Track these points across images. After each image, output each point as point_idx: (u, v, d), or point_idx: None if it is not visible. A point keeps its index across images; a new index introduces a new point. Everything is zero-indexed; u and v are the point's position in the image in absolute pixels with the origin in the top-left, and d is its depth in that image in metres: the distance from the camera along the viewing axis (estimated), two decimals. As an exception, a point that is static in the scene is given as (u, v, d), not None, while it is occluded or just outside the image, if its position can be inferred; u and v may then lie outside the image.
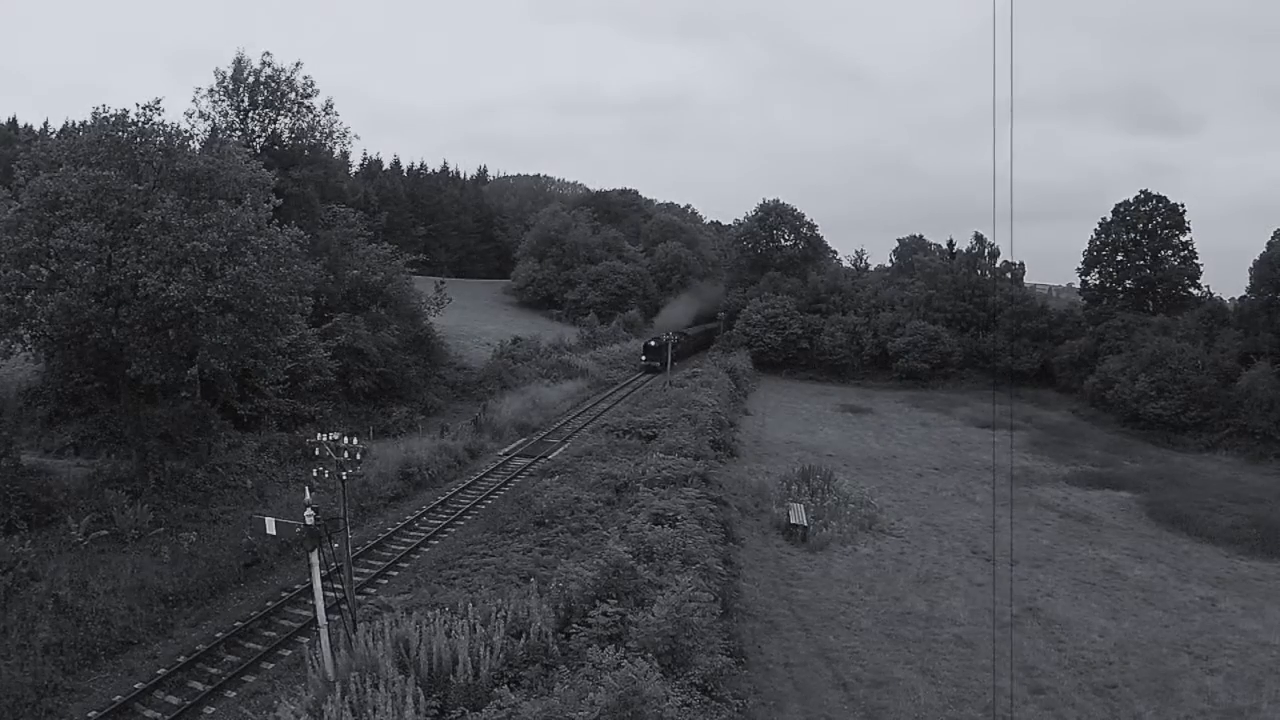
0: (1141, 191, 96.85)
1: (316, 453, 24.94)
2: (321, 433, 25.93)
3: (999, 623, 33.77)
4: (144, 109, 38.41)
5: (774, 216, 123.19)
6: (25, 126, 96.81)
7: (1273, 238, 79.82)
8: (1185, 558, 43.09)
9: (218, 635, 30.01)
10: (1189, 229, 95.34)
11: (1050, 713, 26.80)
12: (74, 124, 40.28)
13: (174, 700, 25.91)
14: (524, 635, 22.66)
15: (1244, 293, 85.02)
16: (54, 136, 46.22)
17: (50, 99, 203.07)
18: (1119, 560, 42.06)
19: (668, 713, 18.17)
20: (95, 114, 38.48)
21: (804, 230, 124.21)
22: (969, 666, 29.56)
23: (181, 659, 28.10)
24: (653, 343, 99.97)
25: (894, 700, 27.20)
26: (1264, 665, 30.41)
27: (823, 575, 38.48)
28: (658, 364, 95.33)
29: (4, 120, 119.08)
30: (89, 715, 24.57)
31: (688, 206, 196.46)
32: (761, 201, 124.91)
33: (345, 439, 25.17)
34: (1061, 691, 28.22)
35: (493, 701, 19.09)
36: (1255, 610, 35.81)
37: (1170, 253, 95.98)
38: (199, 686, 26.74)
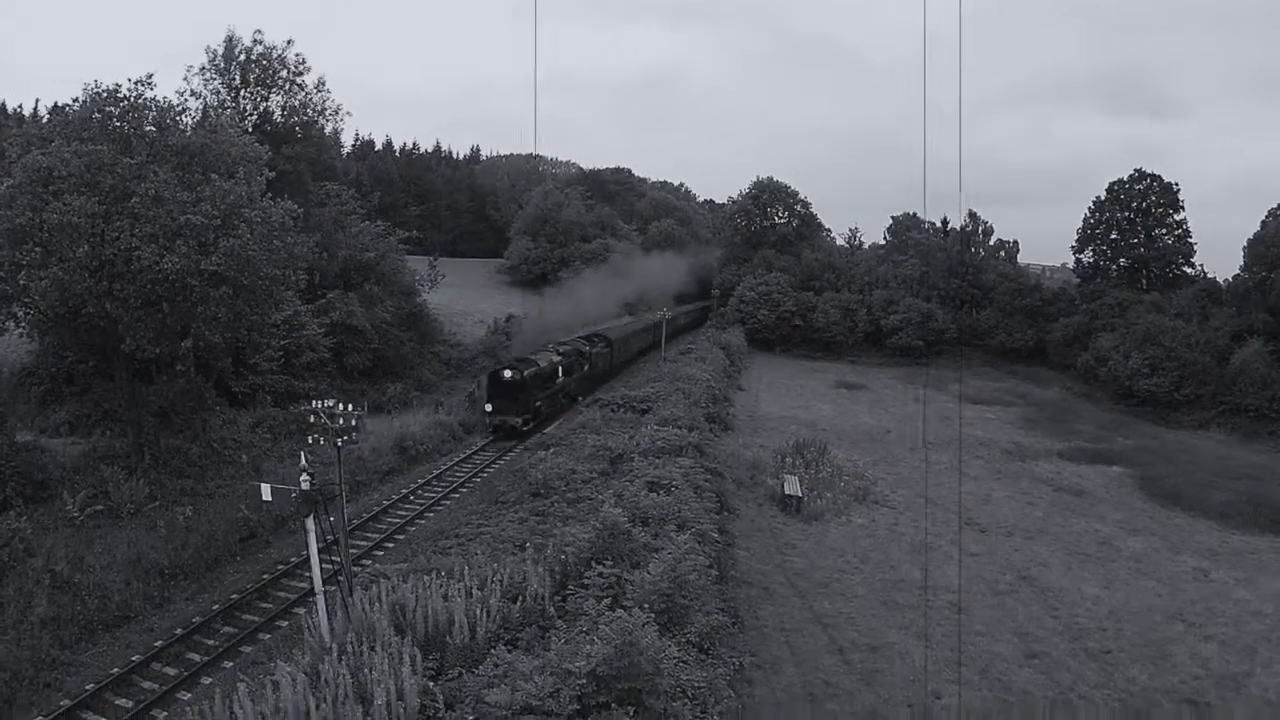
0: (1136, 170, 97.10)
1: (312, 420, 24.82)
2: (316, 401, 25.88)
3: (994, 590, 34.02)
4: (135, 84, 38.20)
5: (768, 194, 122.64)
6: (15, 110, 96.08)
7: (1266, 217, 79.92)
8: (1178, 531, 43.37)
9: (214, 608, 30.04)
10: (1183, 208, 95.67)
11: (1045, 676, 27.03)
12: (64, 104, 39.81)
13: (171, 671, 25.98)
14: (520, 599, 22.67)
15: (1237, 272, 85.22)
16: (45, 118, 45.93)
17: (40, 85, 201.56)
18: (1112, 533, 42.32)
19: (665, 665, 18.16)
20: (86, 89, 38.24)
21: (798, 208, 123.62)
22: (964, 632, 29.71)
23: (178, 631, 28.13)
24: (508, 373, 55.17)
25: (889, 664, 27.42)
26: (1257, 633, 30.77)
27: (817, 545, 38.65)
28: (517, 419, 54.51)
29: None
30: (86, 688, 24.57)
31: (681, 185, 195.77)
32: (755, 179, 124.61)
33: (340, 406, 25.07)
34: (1056, 656, 28.49)
35: (489, 659, 19.08)
36: (1247, 581, 36.15)
37: (1164, 231, 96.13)
38: (196, 658, 26.80)
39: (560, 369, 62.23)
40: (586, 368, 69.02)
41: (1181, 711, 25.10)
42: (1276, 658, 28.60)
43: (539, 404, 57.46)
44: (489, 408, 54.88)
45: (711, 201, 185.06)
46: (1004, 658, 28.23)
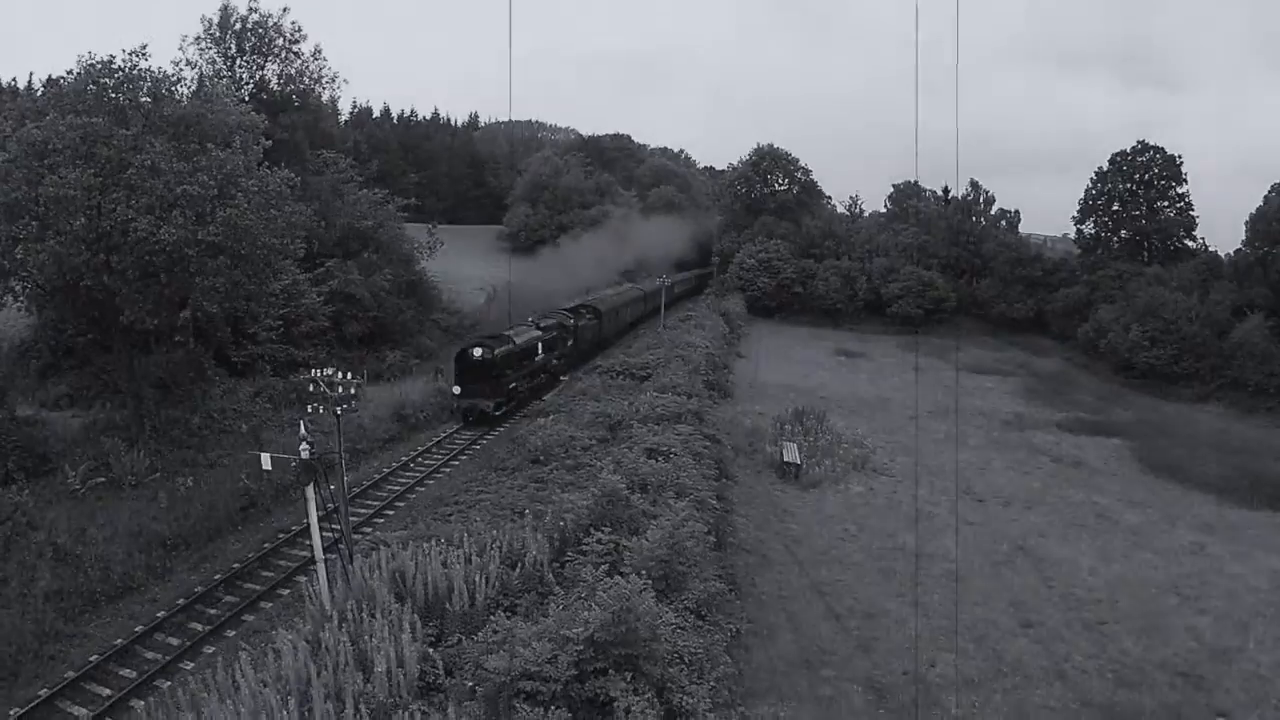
0: (1139, 141, 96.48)
1: (311, 389, 24.82)
2: (315, 369, 25.89)
3: (991, 560, 34.16)
4: (130, 55, 37.90)
5: (768, 161, 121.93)
6: (9, 83, 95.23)
7: (1270, 192, 79.59)
8: (1175, 504, 43.51)
9: (216, 577, 30.19)
10: (1186, 181, 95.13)
11: (1040, 646, 27.20)
12: (59, 77, 39.56)
13: (174, 641, 26.14)
14: (519, 565, 22.82)
15: (1239, 246, 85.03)
16: (39, 91, 45.66)
17: (34, 58, 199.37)
18: (1109, 504, 42.45)
19: (661, 630, 18.27)
20: (80, 61, 37.98)
21: (798, 175, 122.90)
22: (960, 600, 29.82)
23: (181, 601, 28.29)
24: (477, 352, 50.15)
25: (885, 632, 27.62)
26: (1251, 608, 30.91)
27: (815, 512, 38.83)
28: (488, 403, 49.77)
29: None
30: (90, 659, 24.73)
31: (681, 152, 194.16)
32: (756, 146, 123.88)
33: (339, 374, 25.05)
34: (1051, 626, 28.67)
35: (488, 626, 19.20)
36: (1243, 555, 36.26)
37: (1166, 204, 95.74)
38: (198, 627, 26.94)
39: (540, 345, 57.18)
40: (571, 343, 64.86)
41: (1175, 684, 25.26)
42: (1270, 633, 28.70)
43: (513, 385, 52.26)
44: (456, 390, 49.78)
45: (712, 168, 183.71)
46: (999, 627, 28.40)
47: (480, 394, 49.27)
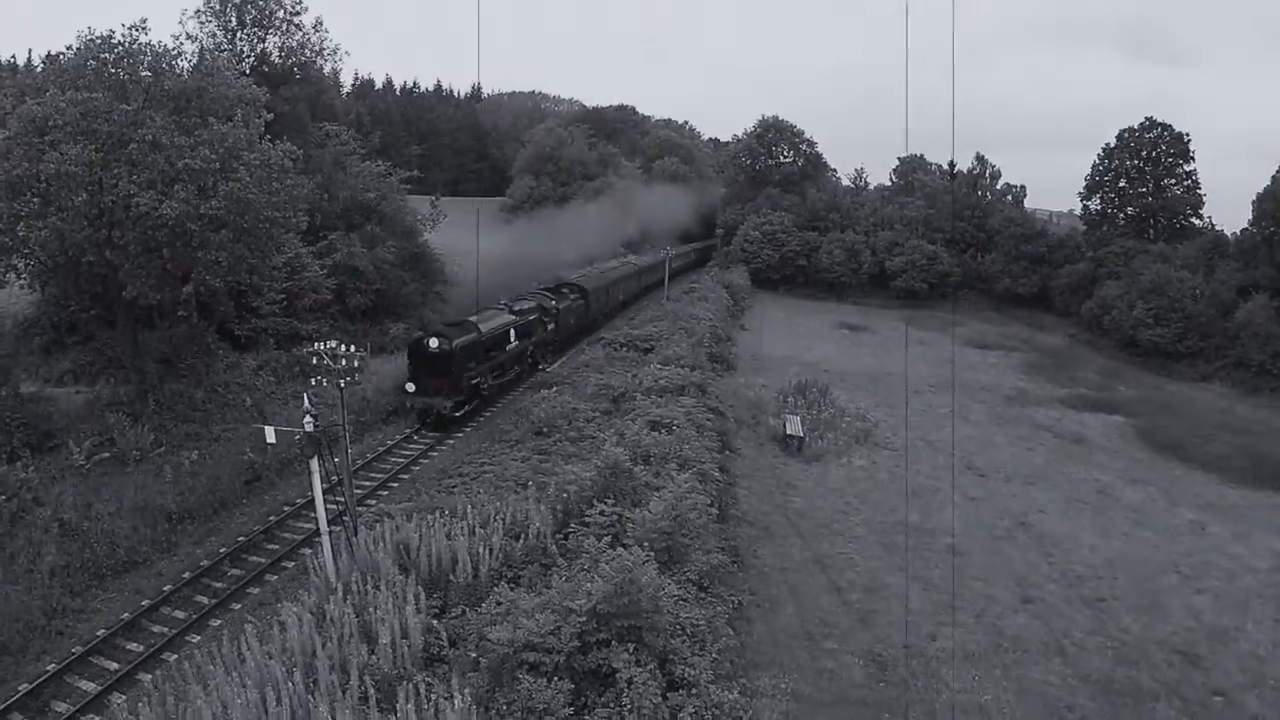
0: (1147, 118, 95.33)
1: (315, 362, 24.85)
2: (319, 342, 25.86)
3: (992, 535, 34.28)
4: (130, 29, 37.59)
5: (773, 133, 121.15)
6: (8, 60, 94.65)
7: (1277, 171, 79.00)
8: (1176, 483, 43.52)
9: (221, 550, 30.37)
10: (1193, 158, 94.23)
11: (1039, 622, 27.35)
12: (58, 53, 39.30)
13: (180, 615, 26.33)
14: (522, 537, 23.00)
15: (1245, 226, 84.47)
16: (39, 67, 45.40)
17: (33, 35, 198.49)
18: (1111, 482, 42.52)
19: (664, 602, 18.38)
20: (80, 36, 37.66)
21: (803, 147, 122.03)
22: (961, 575, 30.00)
23: (187, 575, 28.48)
24: (434, 343, 43.36)
25: (886, 605, 27.77)
26: (1250, 588, 31.04)
27: (818, 485, 38.96)
28: (446, 402, 42.94)
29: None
30: (98, 633, 24.91)
31: (686, 123, 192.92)
32: (761, 118, 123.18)
33: (342, 347, 25.05)
34: (1050, 602, 28.83)
35: (492, 597, 19.34)
36: (1243, 536, 36.32)
37: (1173, 181, 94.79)
38: (205, 600, 27.13)
39: (513, 331, 50.74)
40: (551, 326, 58.57)
41: (1173, 662, 25.40)
42: (1268, 614, 28.83)
43: (477, 381, 45.78)
44: (410, 388, 43.12)
45: (716, 140, 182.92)
46: (1000, 602, 28.56)
47: (436, 391, 42.64)
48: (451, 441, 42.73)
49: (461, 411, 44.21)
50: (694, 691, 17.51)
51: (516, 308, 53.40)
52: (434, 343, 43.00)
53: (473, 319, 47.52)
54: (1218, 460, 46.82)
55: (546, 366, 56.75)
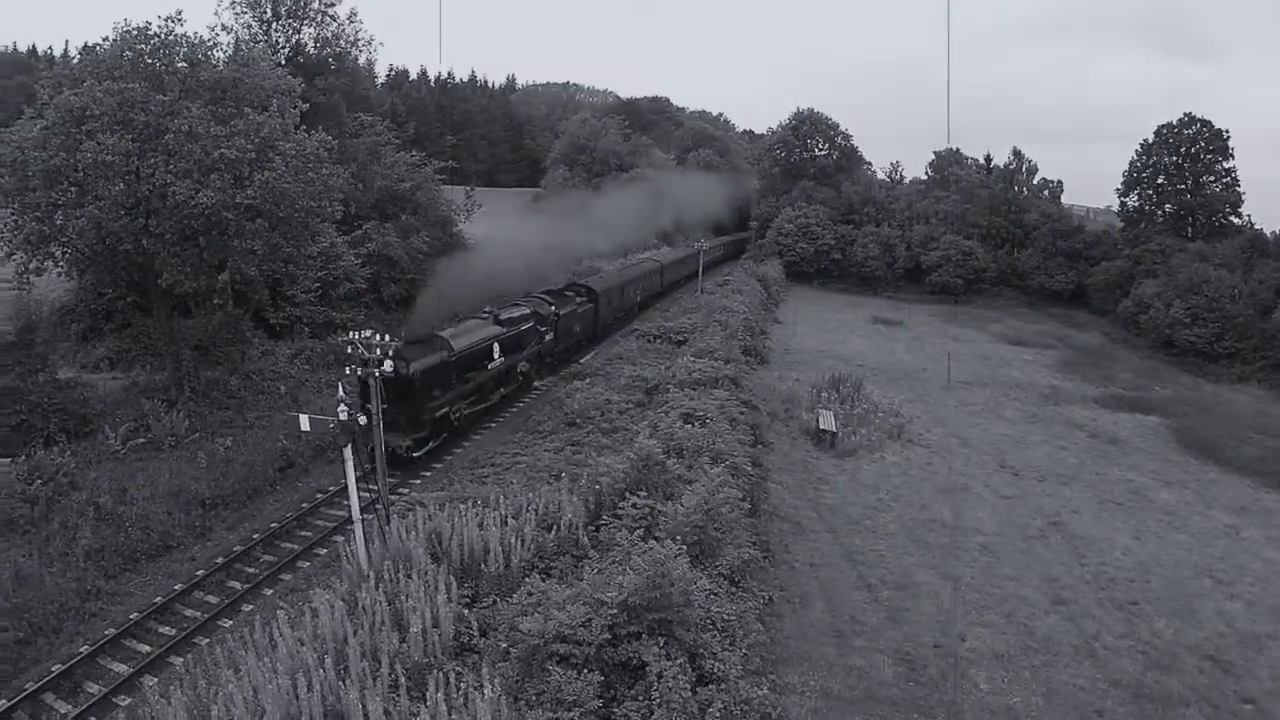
0: (1185, 114, 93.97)
1: (349, 351, 25.00)
2: (353, 331, 25.97)
3: (1024, 535, 34.03)
4: (166, 20, 38.01)
5: (808, 125, 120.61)
6: (46, 51, 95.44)
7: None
8: (1211, 485, 42.84)
9: (254, 536, 30.70)
10: (1232, 155, 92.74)
11: (1071, 624, 27.06)
12: (95, 44, 39.70)
13: (213, 600, 26.64)
14: (555, 528, 23.02)
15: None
16: (76, 58, 45.90)
17: (70, 26, 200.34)
18: (1145, 483, 41.94)
19: (695, 596, 18.40)
20: (116, 28, 38.14)
21: (838, 140, 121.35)
22: (992, 575, 29.84)
23: (219, 560, 28.79)
24: (388, 365, 25.13)
25: (916, 603, 27.59)
26: (1283, 595, 30.53)
27: (850, 481, 38.76)
28: (402, 441, 35.17)
29: (24, 48, 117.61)
30: (131, 616, 25.26)
31: (720, 115, 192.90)
32: (796, 110, 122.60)
33: (377, 336, 25.17)
34: (1082, 604, 28.49)
35: (523, 588, 19.41)
36: (1278, 540, 35.67)
37: (1212, 179, 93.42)
38: (237, 586, 27.43)
39: (497, 346, 42.97)
40: (550, 336, 51.07)
41: (1204, 668, 25.15)
42: (1301, 622, 28.42)
43: (444, 411, 38.29)
44: (363, 420, 29.67)
45: (751, 132, 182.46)
46: (1030, 603, 28.29)
47: (391, 426, 32.36)
48: (494, 424, 42.90)
49: (422, 451, 37.09)
50: (723, 686, 17.48)
51: (504, 316, 45.51)
52: (387, 366, 29.99)
53: (444, 333, 40.34)
54: (1253, 463, 45.99)
55: (541, 383, 50.47)
